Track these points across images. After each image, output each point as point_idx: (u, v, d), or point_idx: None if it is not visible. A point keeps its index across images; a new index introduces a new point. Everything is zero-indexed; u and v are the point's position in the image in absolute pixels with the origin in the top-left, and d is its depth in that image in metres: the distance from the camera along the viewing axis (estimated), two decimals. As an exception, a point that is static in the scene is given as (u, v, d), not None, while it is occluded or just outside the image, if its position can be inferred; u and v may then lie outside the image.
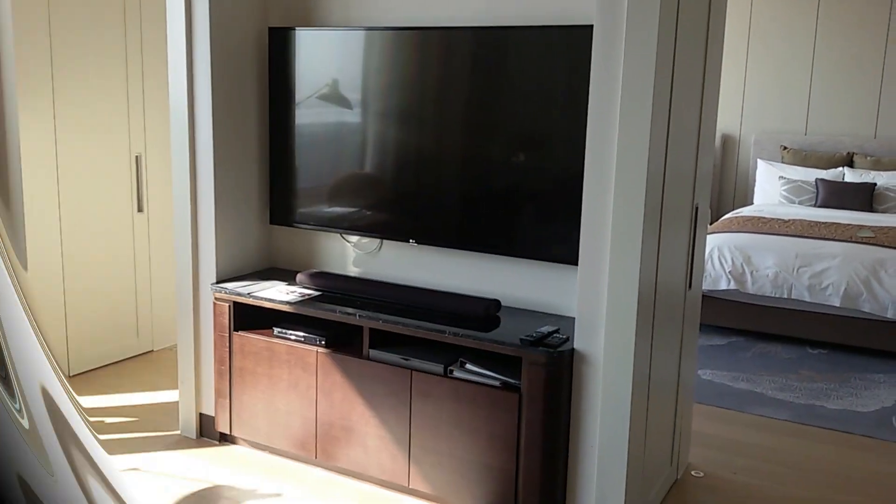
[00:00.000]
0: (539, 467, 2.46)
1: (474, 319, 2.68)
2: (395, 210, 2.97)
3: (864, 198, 5.70)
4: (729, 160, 6.78)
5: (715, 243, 4.80)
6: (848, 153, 6.12)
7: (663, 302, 2.56)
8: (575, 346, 2.44)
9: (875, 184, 5.74)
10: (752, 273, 4.62)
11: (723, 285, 4.69)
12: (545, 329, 2.51)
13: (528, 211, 2.71)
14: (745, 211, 5.82)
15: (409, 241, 2.93)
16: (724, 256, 4.72)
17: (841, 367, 4.33)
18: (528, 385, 2.44)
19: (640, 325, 2.33)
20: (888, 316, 4.31)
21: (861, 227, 4.99)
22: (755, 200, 6.32)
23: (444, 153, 2.84)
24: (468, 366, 2.61)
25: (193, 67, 2.96)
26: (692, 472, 3.04)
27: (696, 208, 2.77)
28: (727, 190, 6.82)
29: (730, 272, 4.67)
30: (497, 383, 2.54)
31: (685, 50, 2.42)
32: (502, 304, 2.80)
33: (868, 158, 6.00)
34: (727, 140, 6.74)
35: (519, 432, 2.49)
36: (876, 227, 5.01)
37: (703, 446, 3.26)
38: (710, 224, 5.81)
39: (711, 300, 4.84)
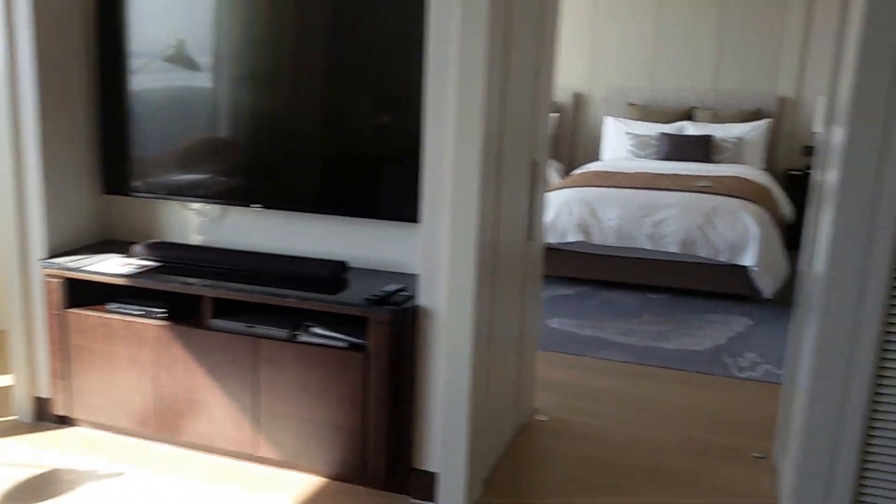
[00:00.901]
0: (386, 423, 2.50)
1: (320, 282, 2.67)
2: (238, 175, 2.89)
3: (703, 149, 6.06)
4: (581, 117, 7.01)
5: (563, 198, 4.98)
6: (689, 107, 6.47)
7: (504, 255, 2.64)
8: (419, 303, 2.48)
9: (712, 136, 6.10)
10: (597, 225, 4.83)
11: (570, 238, 4.88)
12: (391, 288, 2.54)
13: (373, 171, 2.71)
14: (593, 166, 6.06)
15: (253, 206, 2.86)
16: (571, 210, 4.90)
17: (679, 309, 4.63)
18: (374, 344, 2.47)
19: (480, 278, 2.39)
20: (721, 259, 4.63)
21: (699, 177, 5.31)
22: (604, 156, 6.59)
23: (285, 115, 2.78)
24: (314, 329, 2.60)
25: (13, 26, 2.74)
26: (537, 417, 3.18)
27: (535, 164, 2.86)
28: (579, 146, 7.06)
29: (577, 225, 4.86)
30: (344, 344, 2.55)
31: (521, 11, 2.46)
32: (351, 265, 2.80)
33: (707, 112, 6.37)
34: (579, 98, 6.96)
35: (366, 391, 2.51)
36: (713, 176, 5.34)
37: (549, 391, 3.41)
38: (562, 179, 6.02)
39: (560, 252, 5.03)
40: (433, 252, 2.42)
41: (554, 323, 4.35)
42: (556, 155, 6.95)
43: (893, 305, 2.06)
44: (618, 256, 4.93)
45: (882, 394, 2.11)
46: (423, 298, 2.47)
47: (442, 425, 2.49)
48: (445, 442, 2.49)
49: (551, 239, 4.94)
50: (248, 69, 2.79)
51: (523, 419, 3.13)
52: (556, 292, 4.92)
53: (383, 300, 2.45)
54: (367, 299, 2.46)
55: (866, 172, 2.02)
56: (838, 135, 2.17)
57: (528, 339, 3.06)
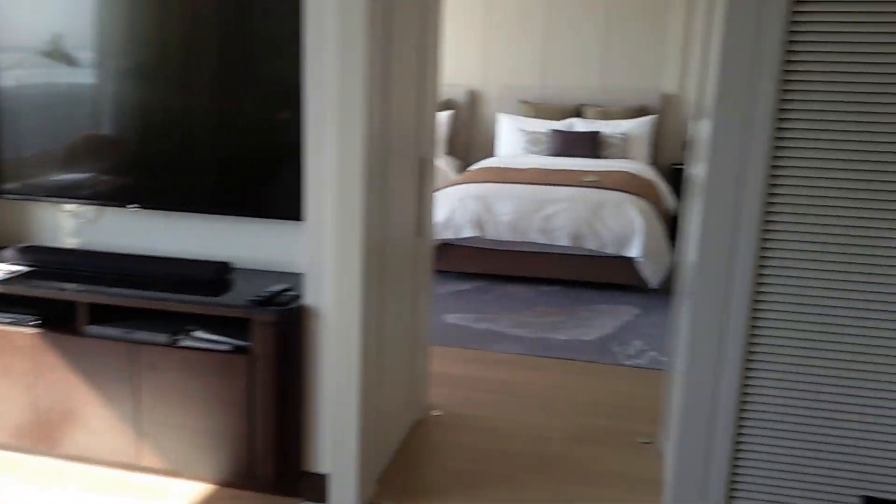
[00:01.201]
0: (274, 426, 2.46)
1: (203, 284, 2.60)
2: (117, 175, 2.77)
3: (591, 145, 6.23)
4: (475, 114, 7.09)
5: (458, 194, 5.03)
6: (578, 104, 6.64)
7: (393, 252, 2.64)
8: (305, 303, 2.45)
9: (599, 132, 6.28)
10: (491, 220, 4.90)
11: (466, 233, 4.93)
12: (276, 288, 2.49)
13: (256, 169, 2.65)
14: (488, 162, 6.15)
15: (131, 207, 2.76)
16: (466, 206, 4.95)
17: (571, 301, 4.75)
18: (259, 346, 2.42)
19: (367, 276, 2.38)
20: (609, 252, 4.77)
21: (587, 172, 5.46)
22: (499, 152, 6.68)
23: (166, 113, 2.69)
24: (196, 333, 2.53)
25: None
26: (432, 412, 3.20)
27: (423, 160, 2.86)
28: (475, 143, 7.14)
29: (472, 221, 4.92)
30: (228, 347, 2.48)
31: (401, 10, 2.45)
32: (236, 266, 2.73)
33: (596, 109, 6.55)
34: (473, 95, 7.04)
35: (252, 394, 2.46)
36: (600, 171, 5.50)
37: (444, 386, 3.43)
38: (458, 175, 6.07)
39: (457, 248, 5.08)
40: (318, 250, 2.39)
41: (451, 318, 4.38)
42: (452, 151, 7.01)
43: (760, 293, 2.17)
44: (512, 251, 5.02)
45: (752, 377, 2.23)
46: (309, 298, 2.44)
47: (332, 426, 2.47)
48: (336, 443, 2.47)
49: (448, 235, 4.98)
50: (127, 65, 2.68)
51: (418, 416, 3.14)
52: (453, 288, 4.96)
53: (267, 301, 2.41)
54: (249, 300, 2.41)
55: (730, 165, 2.12)
56: (705, 129, 2.27)
57: (421, 335, 3.07)
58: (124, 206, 2.76)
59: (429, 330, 3.20)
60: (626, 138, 6.26)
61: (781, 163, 2.09)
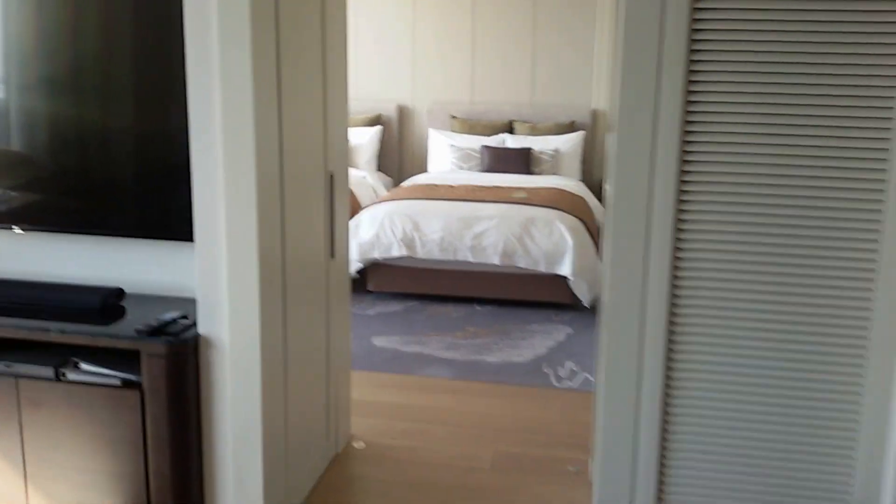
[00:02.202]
0: (170, 466, 2.24)
1: (92, 312, 2.37)
2: (-4, 194, 2.53)
3: (522, 161, 6.14)
4: (406, 130, 6.95)
5: (386, 212, 4.86)
6: (509, 121, 6.55)
7: (300, 274, 2.46)
8: (199, 332, 2.24)
9: (531, 148, 6.20)
10: (420, 238, 4.74)
11: (395, 252, 4.76)
12: (169, 315, 2.28)
13: (146, 186, 2.44)
14: (419, 178, 6.00)
15: (12, 229, 2.51)
16: (394, 225, 4.78)
17: (503, 320, 4.61)
18: (150, 380, 2.20)
19: (266, 302, 2.20)
20: (541, 269, 4.66)
21: (518, 188, 5.35)
22: (430, 168, 6.55)
23: (50, 128, 2.46)
24: (82, 366, 2.29)
25: None
26: (354, 444, 3.01)
27: (332, 176, 2.69)
28: (407, 159, 7.00)
29: (401, 239, 4.75)
30: (116, 382, 2.26)
31: (292, 21, 2.29)
32: (130, 291, 2.51)
33: (525, 125, 6.48)
34: (403, 111, 6.90)
35: (145, 432, 2.24)
36: (530, 188, 5.40)
37: (368, 415, 3.24)
38: (388, 192, 5.91)
39: (386, 267, 4.91)
40: (211, 275, 2.20)
41: (379, 341, 4.20)
42: (383, 168, 6.85)
43: (676, 305, 2.07)
44: (443, 269, 4.87)
45: (673, 396, 2.11)
46: (203, 326, 2.23)
47: (234, 464, 2.26)
48: (239, 482, 2.26)
49: (376, 254, 4.80)
50: (7, 77, 2.45)
51: (337, 448, 2.94)
52: (383, 309, 4.78)
53: (157, 330, 2.19)
54: (138, 330, 2.19)
55: (636, 176, 2.01)
56: (611, 142, 2.17)
57: (339, 361, 2.88)
58: (9, 228, 2.52)
59: (349, 355, 3.01)
60: (556, 154, 6.20)
61: (690, 169, 2.00)
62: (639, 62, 1.96)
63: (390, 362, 3.90)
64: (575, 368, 3.87)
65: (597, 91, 6.53)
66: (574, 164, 6.26)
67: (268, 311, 2.21)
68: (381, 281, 4.94)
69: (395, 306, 4.85)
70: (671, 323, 2.08)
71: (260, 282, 2.15)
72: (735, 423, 2.11)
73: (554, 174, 6.15)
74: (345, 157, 2.83)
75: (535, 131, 6.40)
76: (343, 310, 2.91)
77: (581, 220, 4.84)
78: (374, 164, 6.59)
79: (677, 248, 2.04)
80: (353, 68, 6.79)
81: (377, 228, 4.80)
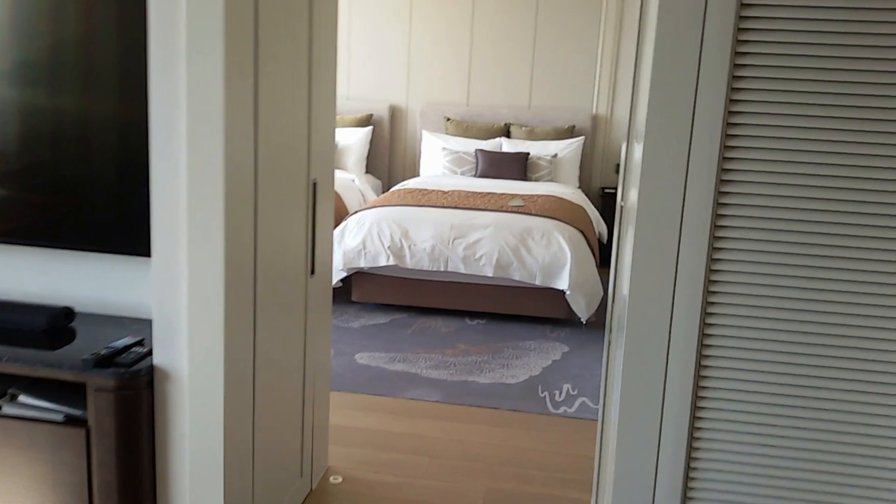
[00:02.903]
0: (118, 516, 1.96)
1: (37, 336, 2.08)
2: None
3: (519, 167, 5.88)
4: (398, 131, 6.68)
5: (373, 218, 4.59)
6: (505, 124, 6.29)
7: (274, 293, 2.19)
8: (155, 362, 1.97)
9: (528, 153, 5.94)
10: (409, 247, 4.47)
11: (382, 261, 4.49)
12: (122, 342, 2.00)
13: (103, 193, 2.16)
14: (410, 183, 5.73)
15: (-49, 238, 2.23)
16: (382, 232, 4.51)
17: (495, 336, 4.35)
18: (96, 417, 1.92)
19: (233, 327, 1.93)
20: (537, 283, 4.39)
21: (513, 196, 5.09)
22: (422, 172, 6.28)
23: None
24: (21, 398, 2.01)
25: None
26: (331, 479, 2.74)
27: (314, 184, 2.42)
28: (398, 161, 6.73)
29: (388, 248, 4.48)
30: (59, 417, 1.98)
31: (273, 20, 2.03)
32: (83, 311, 2.23)
33: (523, 128, 6.21)
34: (395, 111, 6.63)
35: (90, 475, 1.96)
36: (527, 195, 5.14)
37: (348, 444, 2.97)
38: (377, 197, 5.65)
39: (373, 277, 4.64)
40: (170, 296, 1.92)
41: (362, 358, 3.93)
42: (372, 170, 6.58)
43: (708, 324, 1.81)
44: (433, 280, 4.60)
45: (701, 432, 1.85)
46: (159, 356, 1.96)
47: (191, 512, 1.99)
48: (196, 533, 1.99)
49: (362, 263, 4.53)
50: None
51: (312, 485, 2.67)
52: (368, 321, 4.51)
53: (106, 360, 1.91)
54: (84, 360, 1.91)
55: (668, 188, 1.76)
56: (637, 152, 1.91)
57: (317, 387, 2.61)
58: (-57, 237, 2.23)
59: (328, 380, 2.74)
60: (555, 160, 5.94)
61: (729, 185, 1.74)
62: (673, 67, 1.70)
63: (374, 382, 3.63)
64: (572, 392, 3.61)
65: (598, 95, 6.28)
66: (573, 171, 6.00)
67: (234, 338, 1.94)
68: (366, 291, 4.67)
69: (381, 318, 4.58)
70: (702, 356, 1.82)
71: (226, 304, 1.88)
72: (773, 465, 1.85)
73: (551, 181, 5.89)
74: (330, 163, 2.56)
75: (532, 135, 6.14)
76: (323, 330, 2.64)
77: (580, 231, 4.58)
78: (362, 167, 6.31)
79: (712, 271, 1.79)
80: (345, 65, 6.52)
81: (364, 235, 4.52)
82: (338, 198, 5.41)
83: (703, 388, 1.85)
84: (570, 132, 6.14)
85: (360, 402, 3.40)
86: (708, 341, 1.83)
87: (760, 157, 1.73)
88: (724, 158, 1.75)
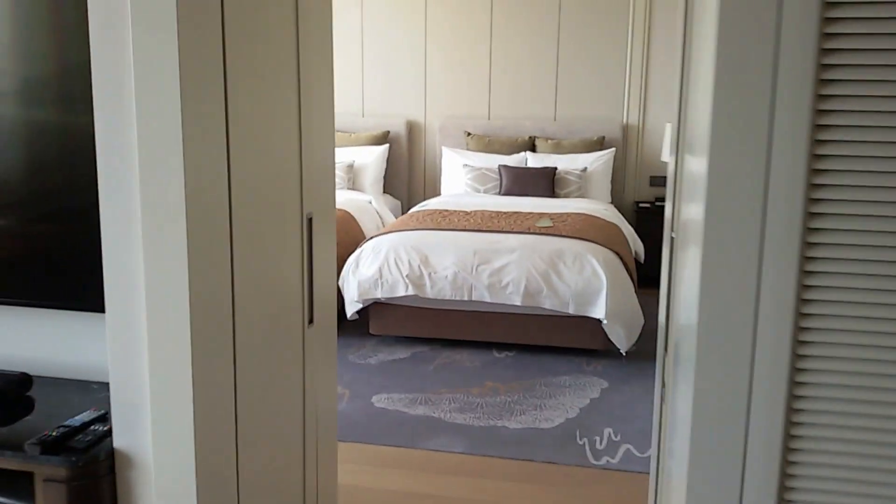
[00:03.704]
0: None
1: (-15, 407, 1.76)
2: None
3: (546, 183, 5.51)
4: (416, 148, 6.35)
5: (390, 245, 4.24)
6: (530, 137, 5.94)
7: (259, 348, 1.84)
8: (115, 444, 1.63)
9: (556, 168, 5.57)
10: (430, 275, 4.12)
11: (401, 291, 4.14)
12: (81, 418, 1.67)
13: (51, 240, 1.84)
14: (431, 203, 5.38)
15: None
16: (399, 259, 4.16)
17: (526, 370, 3.97)
18: (45, 513, 1.59)
19: (205, 395, 1.59)
20: (570, 311, 4.01)
21: (541, 215, 4.72)
22: (443, 191, 5.94)
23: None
24: (-39, 487, 1.68)
25: None
26: (340, 556, 2.38)
27: (310, 220, 2.08)
28: (417, 180, 6.40)
29: (407, 276, 4.13)
30: (4, 511, 1.65)
31: (252, 33, 1.69)
32: (43, 375, 1.90)
33: (549, 142, 5.85)
34: (413, 127, 6.30)
35: (41, 583, 1.62)
36: (555, 213, 4.77)
37: (361, 510, 2.62)
38: (395, 220, 5.31)
39: (391, 308, 4.29)
40: (129, 362, 1.59)
41: (380, 401, 3.57)
42: (390, 190, 6.25)
43: (801, 356, 1.42)
44: (456, 311, 4.24)
45: (794, 488, 1.46)
46: (120, 437, 1.62)
47: None
48: None
49: (379, 294, 4.18)
50: None
51: (318, 561, 2.31)
52: (386, 356, 4.16)
53: (57, 444, 1.58)
54: (30, 444, 1.58)
55: (741, 204, 1.39)
56: (694, 164, 1.54)
57: (320, 450, 2.26)
58: None
59: (334, 436, 2.39)
60: (584, 175, 5.56)
61: (819, 203, 1.37)
62: (742, 66, 1.33)
63: (392, 430, 3.27)
64: (615, 437, 3.22)
65: (628, 104, 5.90)
66: (604, 186, 5.62)
67: (208, 410, 1.59)
68: (384, 323, 4.32)
69: (401, 353, 4.22)
70: (793, 396, 1.43)
71: (194, 369, 1.54)
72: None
73: (581, 196, 5.51)
74: (329, 194, 2.22)
75: (559, 149, 5.77)
76: (328, 383, 2.29)
77: (616, 252, 4.19)
78: (380, 187, 5.98)
79: (804, 301, 1.41)
80: (358, 81, 6.21)
81: (380, 263, 4.18)
82: (354, 221, 5.08)
83: (796, 437, 1.46)
84: (599, 144, 5.77)
85: (375, 455, 3.04)
86: (801, 377, 1.44)
87: (857, 167, 1.35)
88: (813, 171, 1.37)
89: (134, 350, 1.59)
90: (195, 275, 1.52)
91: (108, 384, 1.83)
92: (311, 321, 2.11)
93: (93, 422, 1.68)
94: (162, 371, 1.55)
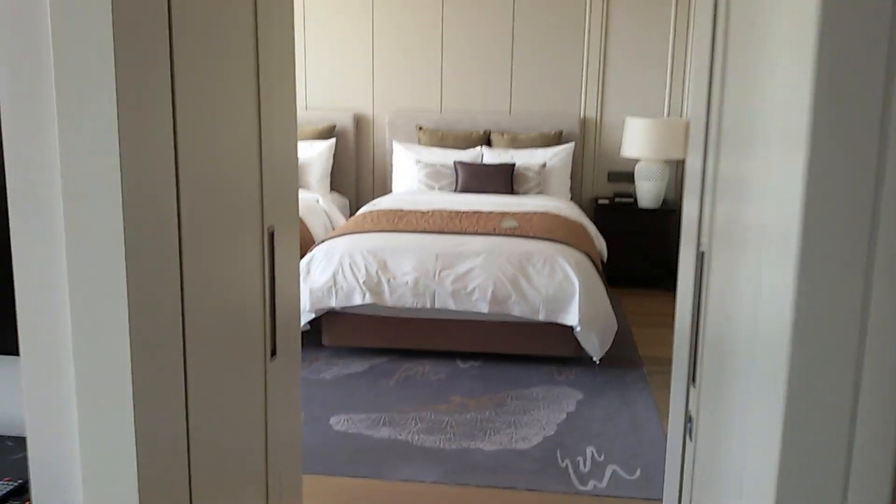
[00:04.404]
0: None
1: None
2: None
3: (505, 180, 5.25)
4: (364, 143, 6.01)
5: (345, 248, 3.91)
6: (485, 131, 5.66)
7: (218, 389, 1.52)
8: (33, 526, 1.28)
9: (514, 164, 5.31)
10: (388, 281, 3.80)
11: (357, 300, 3.81)
12: (-10, 489, 1.32)
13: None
14: (383, 202, 5.05)
15: None
16: (355, 264, 3.84)
17: (494, 382, 3.70)
18: None
19: (149, 454, 1.26)
20: (540, 318, 3.76)
21: (504, 214, 4.46)
22: (394, 188, 5.62)
23: None
24: None
25: None
26: None
27: (272, 234, 1.75)
28: (365, 176, 6.06)
29: (364, 283, 3.80)
30: None
31: (205, 23, 1.36)
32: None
33: (505, 136, 5.59)
34: (360, 120, 5.96)
35: None
36: (519, 213, 4.51)
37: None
38: (345, 221, 4.99)
39: (347, 317, 3.96)
40: (52, 417, 1.25)
41: (339, 423, 3.25)
42: (338, 187, 5.90)
43: None
44: (417, 319, 3.94)
45: None
46: (38, 517, 1.27)
47: None
48: None
49: (333, 303, 3.85)
50: None
51: None
52: (343, 370, 3.83)
53: (-52, 536, 1.23)
54: (-83, 535, 1.22)
55: (845, 205, 1.13)
56: (759, 164, 1.28)
57: (284, 493, 1.94)
58: None
59: (299, 479, 2.07)
60: (543, 170, 5.32)
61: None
62: (851, 60, 1.07)
63: (356, 457, 2.95)
64: (598, 457, 2.98)
65: (586, 97, 5.68)
66: (563, 182, 5.39)
67: (155, 476, 1.26)
68: (339, 334, 3.99)
69: (358, 366, 3.90)
70: None
71: (137, 423, 1.21)
72: None
73: (541, 193, 5.27)
74: (293, 204, 1.89)
75: (516, 143, 5.52)
76: (292, 421, 1.97)
77: (586, 254, 3.95)
78: (326, 184, 5.62)
79: None
80: (300, 69, 5.83)
81: (334, 269, 3.84)
82: (301, 222, 4.72)
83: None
84: (557, 138, 5.53)
85: (340, 489, 2.72)
86: None
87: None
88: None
89: (57, 400, 1.25)
90: (136, 306, 1.19)
91: (25, 439, 1.48)
92: (273, 353, 1.78)
93: (5, 498, 1.33)
94: (95, 426, 1.21)
